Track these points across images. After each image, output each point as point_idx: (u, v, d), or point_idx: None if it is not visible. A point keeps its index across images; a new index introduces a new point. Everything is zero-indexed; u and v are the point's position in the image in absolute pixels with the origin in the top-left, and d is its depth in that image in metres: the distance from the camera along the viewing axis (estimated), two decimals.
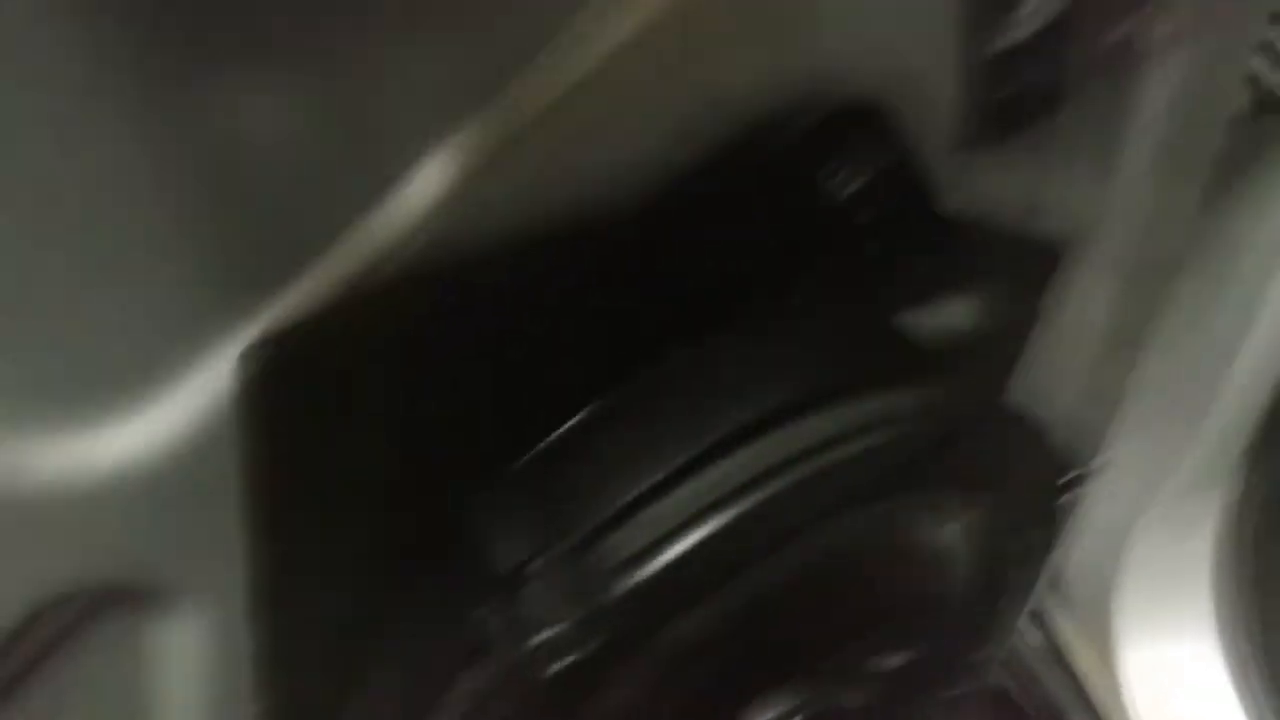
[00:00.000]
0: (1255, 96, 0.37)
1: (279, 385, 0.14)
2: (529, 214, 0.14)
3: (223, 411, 0.15)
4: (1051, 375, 0.27)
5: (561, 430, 0.16)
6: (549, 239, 0.14)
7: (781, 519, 0.15)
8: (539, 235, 0.14)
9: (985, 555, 0.22)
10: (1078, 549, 0.58)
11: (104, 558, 0.15)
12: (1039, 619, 0.66)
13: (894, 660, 0.25)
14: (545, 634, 0.13)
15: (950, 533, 0.20)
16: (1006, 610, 0.24)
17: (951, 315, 0.22)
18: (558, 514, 0.15)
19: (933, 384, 0.19)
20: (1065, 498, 0.22)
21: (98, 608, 0.16)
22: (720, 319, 0.17)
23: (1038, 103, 0.19)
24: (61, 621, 0.16)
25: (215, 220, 0.13)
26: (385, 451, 0.15)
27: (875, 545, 0.20)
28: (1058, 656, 0.64)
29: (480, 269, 0.14)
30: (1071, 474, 0.22)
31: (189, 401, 0.15)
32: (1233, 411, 0.46)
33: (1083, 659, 0.62)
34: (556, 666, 0.13)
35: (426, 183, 0.13)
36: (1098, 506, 0.55)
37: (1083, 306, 0.28)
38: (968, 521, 0.20)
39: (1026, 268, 0.23)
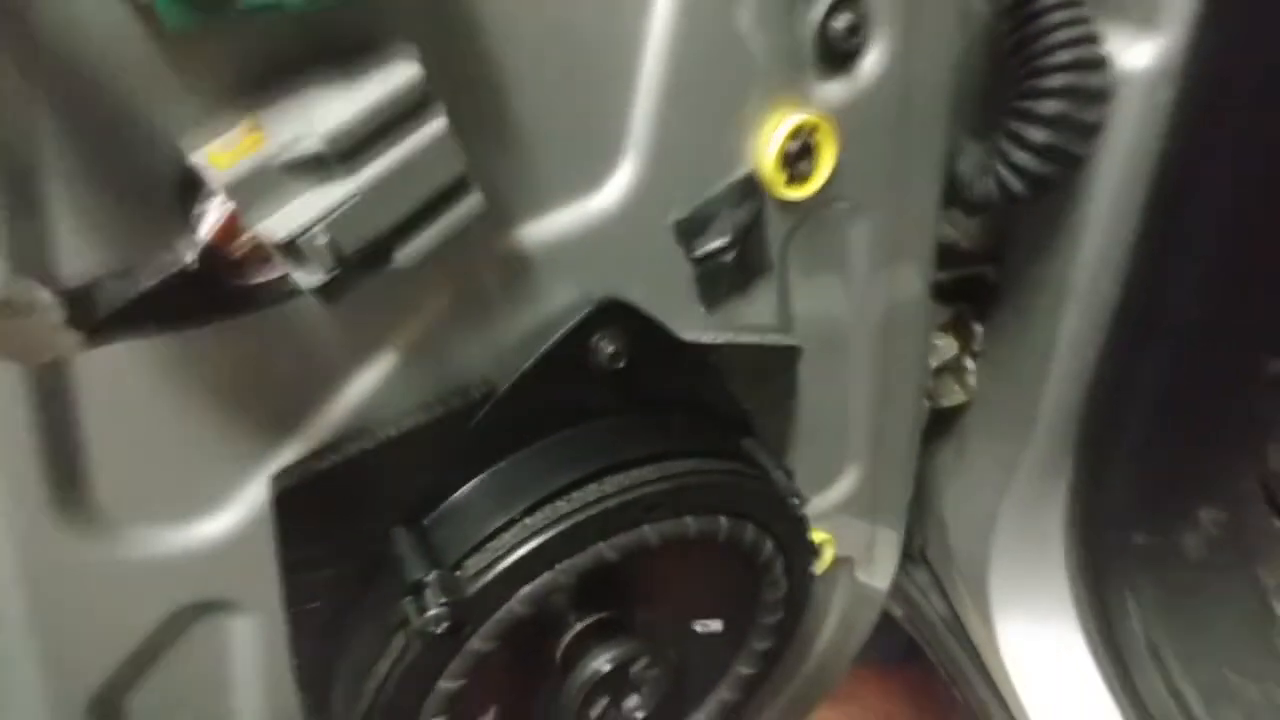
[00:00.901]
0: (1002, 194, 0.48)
1: (288, 494, 0.27)
2: (418, 403, 0.28)
3: (263, 505, 0.28)
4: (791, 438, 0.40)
5: (451, 498, 0.30)
6: (440, 418, 0.28)
7: (611, 523, 0.28)
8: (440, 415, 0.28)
9: (748, 550, 0.34)
10: (957, 535, 0.69)
11: (206, 587, 0.29)
12: (942, 593, 0.76)
13: (712, 625, 0.38)
14: (431, 613, 0.26)
15: (723, 536, 0.33)
16: (777, 591, 0.37)
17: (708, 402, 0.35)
18: (443, 550, 0.28)
19: (691, 453, 0.32)
20: (793, 508, 0.35)
21: (201, 613, 0.29)
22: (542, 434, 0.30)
23: (733, 280, 0.33)
24: (182, 624, 0.29)
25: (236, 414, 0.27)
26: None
27: (667, 550, 0.32)
28: (957, 626, 0.73)
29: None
30: (795, 497, 0.35)
31: (246, 501, 0.28)
32: (1056, 414, 0.55)
33: (974, 631, 0.70)
34: (438, 630, 0.26)
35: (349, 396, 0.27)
36: (967, 498, 0.66)
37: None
38: (731, 528, 0.33)
39: (766, 365, 0.36)
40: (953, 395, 0.64)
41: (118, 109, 0.20)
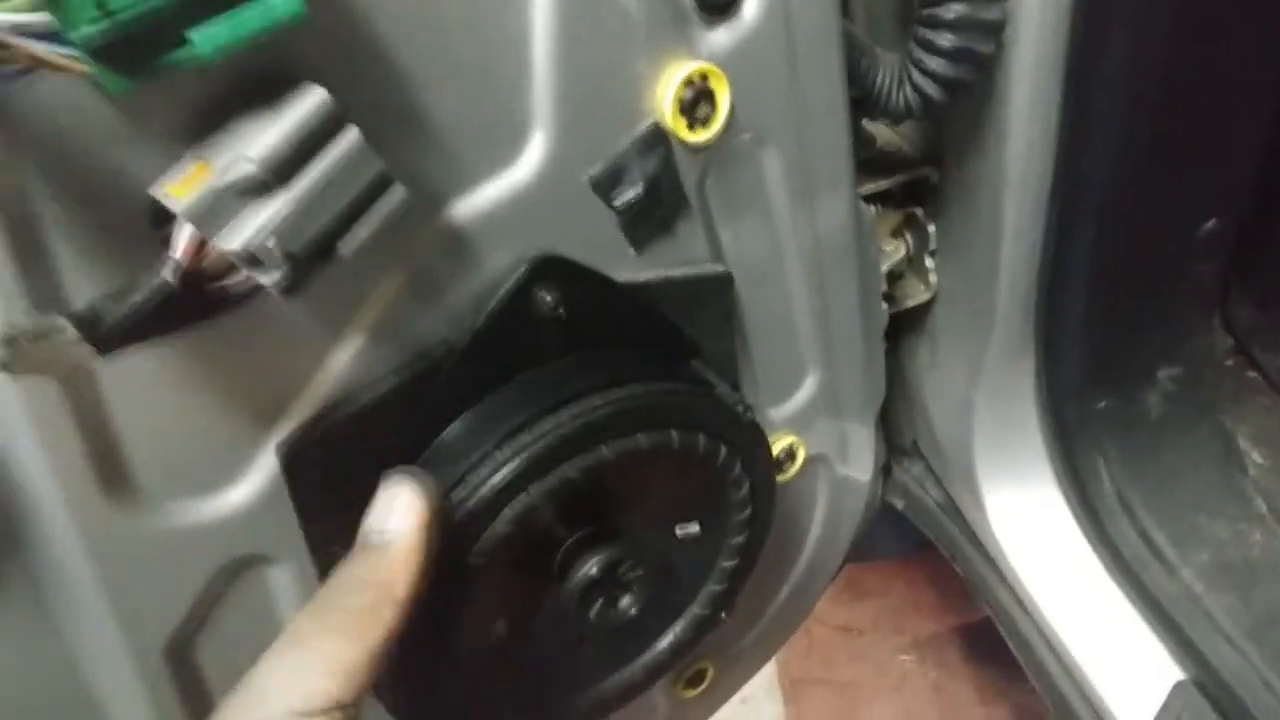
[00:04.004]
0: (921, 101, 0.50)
1: (292, 458, 0.33)
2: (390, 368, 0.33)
3: (276, 471, 0.33)
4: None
5: (433, 444, 0.35)
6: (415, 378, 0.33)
7: (570, 447, 0.34)
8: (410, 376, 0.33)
9: (704, 456, 0.39)
10: (941, 423, 0.73)
11: (242, 544, 0.35)
12: (936, 480, 0.81)
13: (691, 528, 0.43)
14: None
15: (677, 446, 0.38)
16: (741, 489, 0.42)
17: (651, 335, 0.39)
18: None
19: (639, 378, 0.37)
20: (740, 415, 0.40)
21: (243, 567, 0.35)
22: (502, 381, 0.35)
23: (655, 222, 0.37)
24: (228, 578, 0.35)
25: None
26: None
27: (639, 458, 0.37)
28: (952, 508, 0.78)
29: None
30: (742, 405, 0.40)
31: (261, 469, 0.33)
32: (1011, 299, 0.59)
33: (966, 510, 0.75)
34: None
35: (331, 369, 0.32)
36: (945, 388, 0.70)
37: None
38: (683, 439, 0.38)
39: (702, 293, 0.40)
40: (918, 293, 0.67)
41: (91, 161, 0.24)
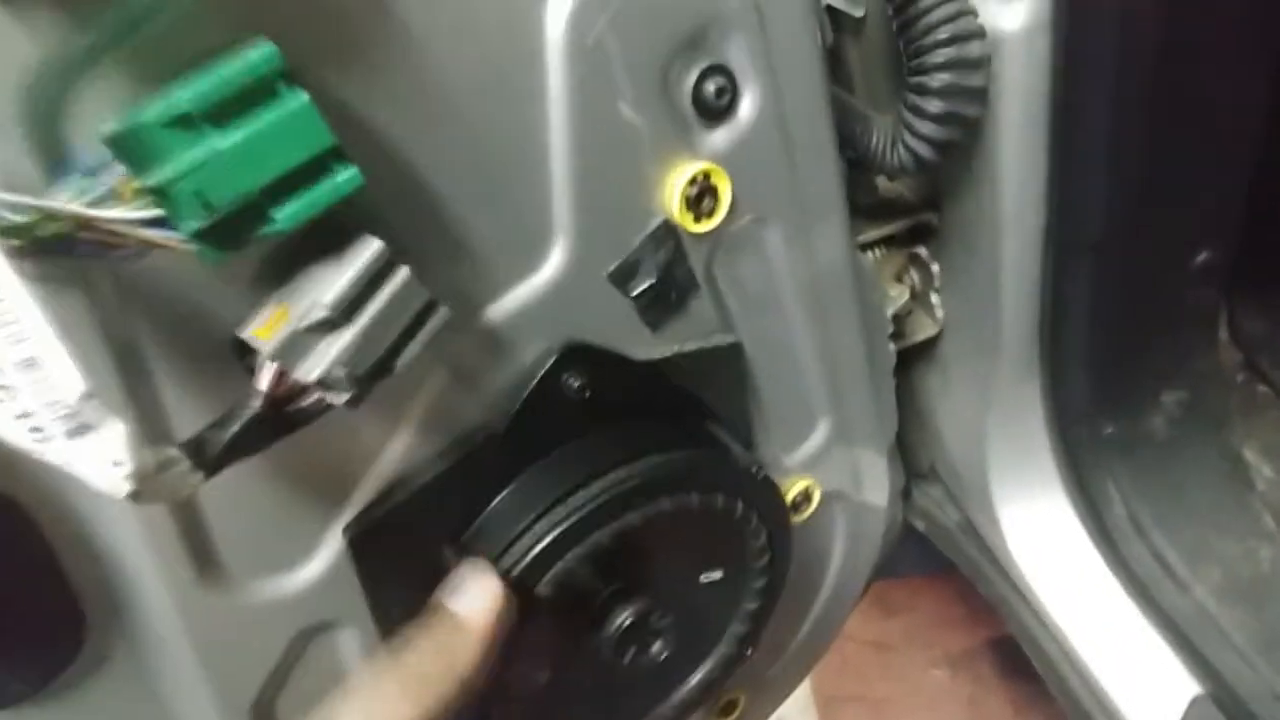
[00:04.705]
0: (914, 161, 0.54)
1: (356, 538, 0.37)
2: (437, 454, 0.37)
3: (343, 548, 0.38)
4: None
5: (479, 519, 0.39)
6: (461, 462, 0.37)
7: (601, 516, 0.38)
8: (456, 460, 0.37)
9: (723, 512, 0.43)
10: (956, 449, 0.76)
11: (315, 613, 0.39)
12: (954, 502, 0.84)
13: (714, 575, 0.47)
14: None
15: (697, 507, 0.42)
16: (759, 538, 0.46)
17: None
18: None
19: (660, 448, 0.41)
20: (754, 473, 0.43)
21: (316, 632, 0.40)
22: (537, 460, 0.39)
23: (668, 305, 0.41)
24: (304, 642, 0.40)
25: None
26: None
27: (663, 519, 0.41)
28: (970, 530, 0.81)
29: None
30: (755, 465, 0.44)
31: (330, 547, 0.38)
32: (1015, 331, 0.62)
33: (984, 531, 0.78)
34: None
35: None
36: (959, 415, 0.73)
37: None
38: (702, 500, 0.42)
39: (714, 361, 0.44)
40: (926, 329, 0.71)
41: (190, 312, 0.29)
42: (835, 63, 0.61)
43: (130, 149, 0.24)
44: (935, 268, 0.68)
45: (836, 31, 0.60)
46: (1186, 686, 0.64)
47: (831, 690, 1.19)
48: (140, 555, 0.33)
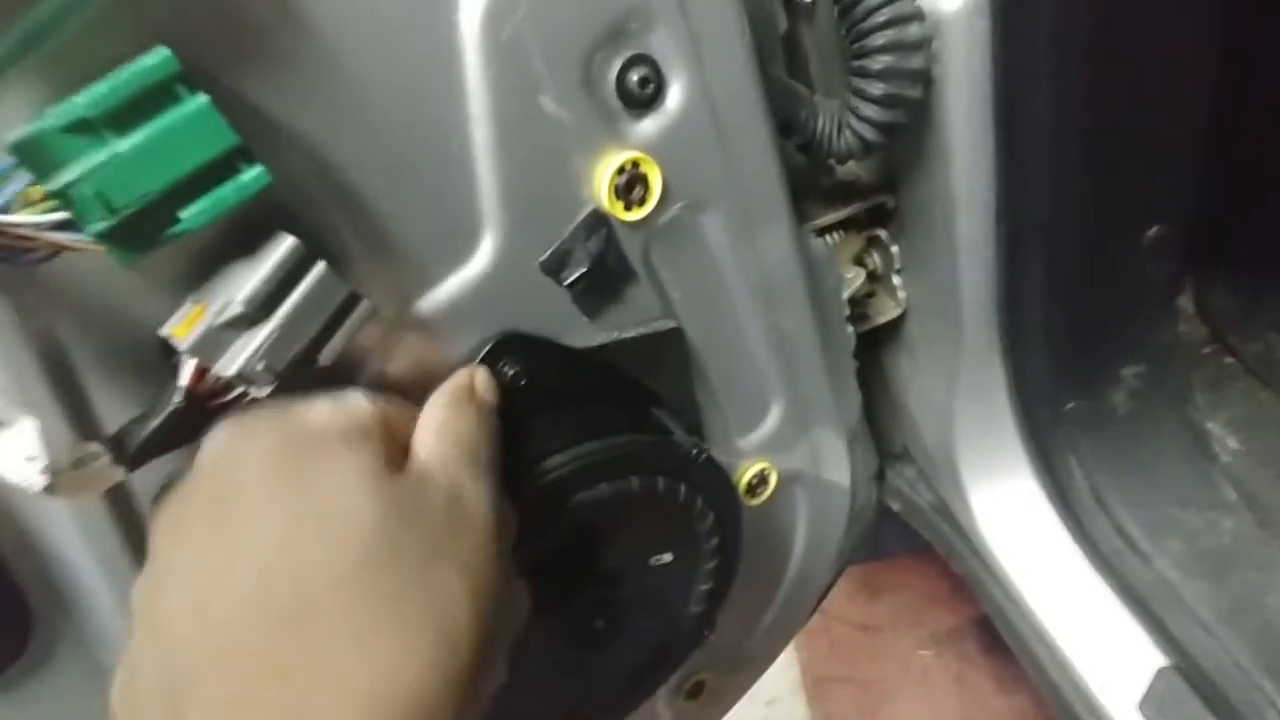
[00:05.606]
0: (860, 144, 0.54)
1: None
2: None
3: None
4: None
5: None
6: None
7: (546, 500, 0.39)
8: None
9: (666, 496, 0.44)
10: (926, 429, 0.77)
11: None
12: (927, 482, 0.84)
13: (664, 558, 0.48)
14: None
15: (644, 490, 0.43)
16: (705, 520, 0.46)
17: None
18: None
19: (600, 433, 0.42)
20: (696, 456, 0.44)
21: None
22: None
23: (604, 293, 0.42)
24: None
25: None
26: None
27: (606, 505, 0.42)
28: (943, 507, 0.81)
29: None
30: (696, 447, 0.44)
31: None
32: (974, 309, 0.63)
33: (955, 509, 0.78)
34: None
35: None
36: (926, 395, 0.74)
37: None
38: (643, 484, 0.43)
39: (656, 347, 0.45)
40: (889, 310, 0.71)
41: (109, 311, 0.30)
42: (792, 49, 0.62)
43: (34, 155, 0.25)
44: (895, 249, 0.68)
45: (791, 18, 0.61)
46: (1152, 658, 0.65)
47: (821, 671, 1.20)
48: (79, 550, 0.35)
